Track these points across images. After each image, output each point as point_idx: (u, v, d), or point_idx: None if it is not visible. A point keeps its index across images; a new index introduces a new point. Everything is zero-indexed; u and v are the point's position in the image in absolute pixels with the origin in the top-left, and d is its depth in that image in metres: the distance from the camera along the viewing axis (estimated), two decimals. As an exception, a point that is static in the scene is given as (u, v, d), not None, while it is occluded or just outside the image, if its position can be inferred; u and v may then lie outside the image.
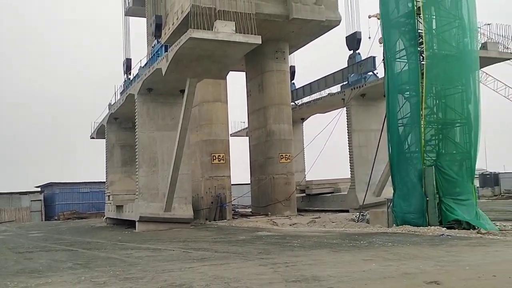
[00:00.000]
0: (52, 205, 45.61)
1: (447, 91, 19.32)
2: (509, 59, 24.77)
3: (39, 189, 49.33)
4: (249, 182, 34.61)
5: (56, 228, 29.98)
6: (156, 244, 16.56)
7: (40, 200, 45.54)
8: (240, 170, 37.10)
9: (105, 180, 32.66)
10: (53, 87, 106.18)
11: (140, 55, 59.30)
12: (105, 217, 32.69)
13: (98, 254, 14.19)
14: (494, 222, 18.36)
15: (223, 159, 29.87)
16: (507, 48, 23.58)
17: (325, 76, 35.72)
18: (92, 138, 36.21)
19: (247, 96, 34.39)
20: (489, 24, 22.41)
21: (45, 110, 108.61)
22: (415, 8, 19.30)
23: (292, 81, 38.09)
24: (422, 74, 18.90)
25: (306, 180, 37.24)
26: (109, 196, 31.02)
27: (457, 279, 8.20)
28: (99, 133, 33.92)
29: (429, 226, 17.60)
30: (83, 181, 46.01)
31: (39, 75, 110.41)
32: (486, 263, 9.90)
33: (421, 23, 19.29)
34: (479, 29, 19.41)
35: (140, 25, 38.74)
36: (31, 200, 45.04)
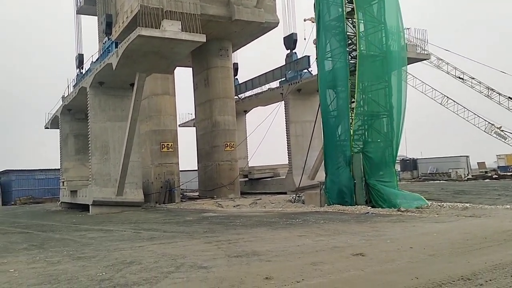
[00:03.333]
0: (9, 191, 43.34)
1: (373, 87, 19.81)
2: (425, 59, 25.70)
3: (-4, 176, 46.71)
4: (197, 169, 34.31)
5: (13, 212, 28.53)
6: (108, 225, 16.09)
7: (-3, 186, 43.30)
8: (187, 158, 36.74)
9: (59, 167, 31.49)
10: (6, 80, 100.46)
11: (91, 51, 57.22)
12: (60, 202, 31.60)
13: (53, 236, 13.61)
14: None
15: (172, 148, 29.46)
16: (424, 50, 24.44)
17: (265, 73, 35.95)
18: (47, 128, 34.66)
19: (194, 90, 33.93)
20: (408, 29, 23.15)
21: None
22: (345, 12, 19.65)
23: (236, 77, 38.08)
24: (350, 72, 19.31)
25: (249, 166, 37.34)
26: (63, 182, 29.96)
27: (379, 251, 8.43)
28: (53, 123, 32.64)
29: (356, 205, 18.12)
30: (39, 168, 44.06)
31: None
32: (404, 237, 10.25)
33: (350, 26, 19.65)
34: (401, 33, 19.97)
35: (91, 23, 37.22)
36: (-12, 187, 42.74)
